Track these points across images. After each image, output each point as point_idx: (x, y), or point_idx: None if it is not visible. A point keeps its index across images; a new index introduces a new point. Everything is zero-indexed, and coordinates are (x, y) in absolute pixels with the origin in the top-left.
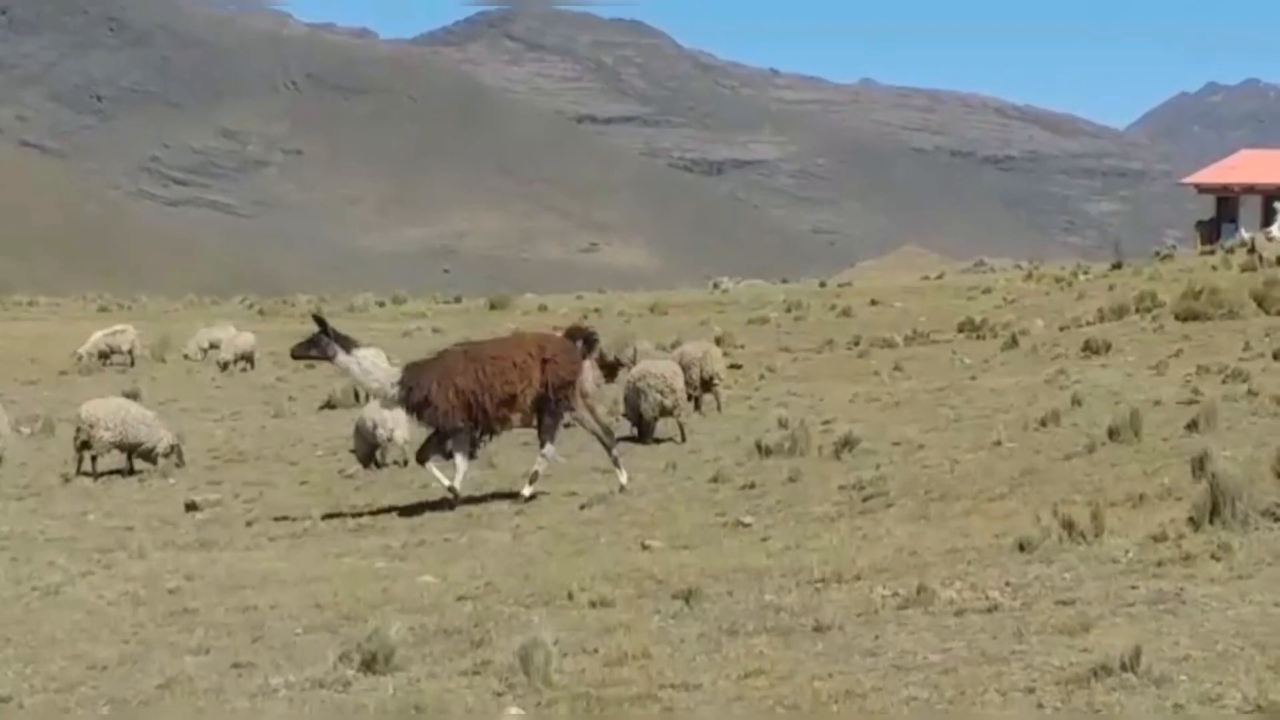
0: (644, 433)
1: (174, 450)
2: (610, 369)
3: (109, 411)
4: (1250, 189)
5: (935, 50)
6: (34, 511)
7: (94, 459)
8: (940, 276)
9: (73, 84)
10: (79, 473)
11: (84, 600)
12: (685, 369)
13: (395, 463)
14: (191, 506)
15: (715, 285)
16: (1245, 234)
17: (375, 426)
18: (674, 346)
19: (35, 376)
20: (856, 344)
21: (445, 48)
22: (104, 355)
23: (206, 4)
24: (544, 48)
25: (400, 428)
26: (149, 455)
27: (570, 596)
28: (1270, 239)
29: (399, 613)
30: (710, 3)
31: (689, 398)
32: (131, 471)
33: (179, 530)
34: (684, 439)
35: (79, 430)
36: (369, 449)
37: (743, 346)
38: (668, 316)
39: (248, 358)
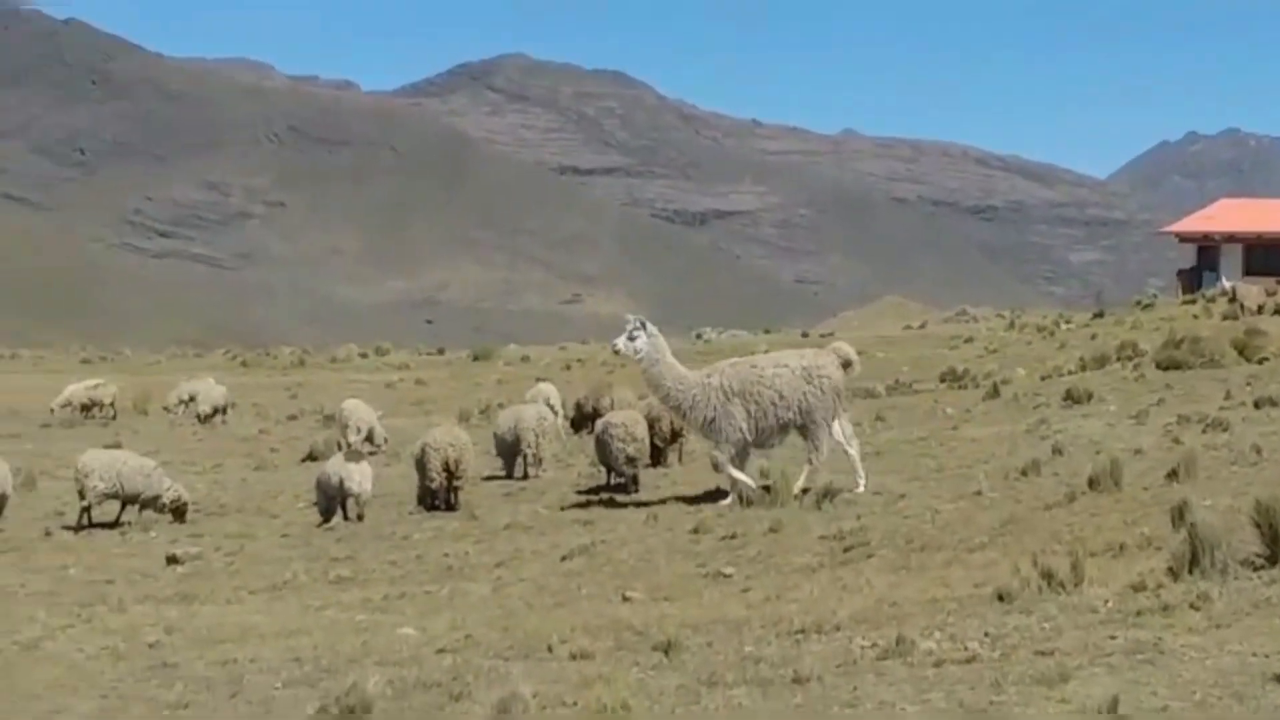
0: (625, 482)
1: (178, 505)
2: (585, 418)
3: (104, 462)
4: (1231, 237)
5: (917, 101)
6: (14, 566)
7: (87, 509)
8: (922, 326)
9: (56, 137)
10: (81, 524)
11: (63, 655)
12: (654, 421)
13: (360, 516)
14: (172, 560)
15: (698, 336)
16: (1226, 283)
17: (342, 481)
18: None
19: (17, 430)
20: None
21: (428, 99)
22: (85, 408)
23: (190, 56)
24: (527, 99)
25: (366, 480)
26: (152, 507)
27: (550, 649)
28: (617, 351)
29: (378, 666)
30: (693, 54)
31: (659, 449)
32: (115, 524)
33: (159, 583)
34: (637, 489)
35: (75, 480)
36: (329, 501)
37: None
38: None
39: (221, 410)
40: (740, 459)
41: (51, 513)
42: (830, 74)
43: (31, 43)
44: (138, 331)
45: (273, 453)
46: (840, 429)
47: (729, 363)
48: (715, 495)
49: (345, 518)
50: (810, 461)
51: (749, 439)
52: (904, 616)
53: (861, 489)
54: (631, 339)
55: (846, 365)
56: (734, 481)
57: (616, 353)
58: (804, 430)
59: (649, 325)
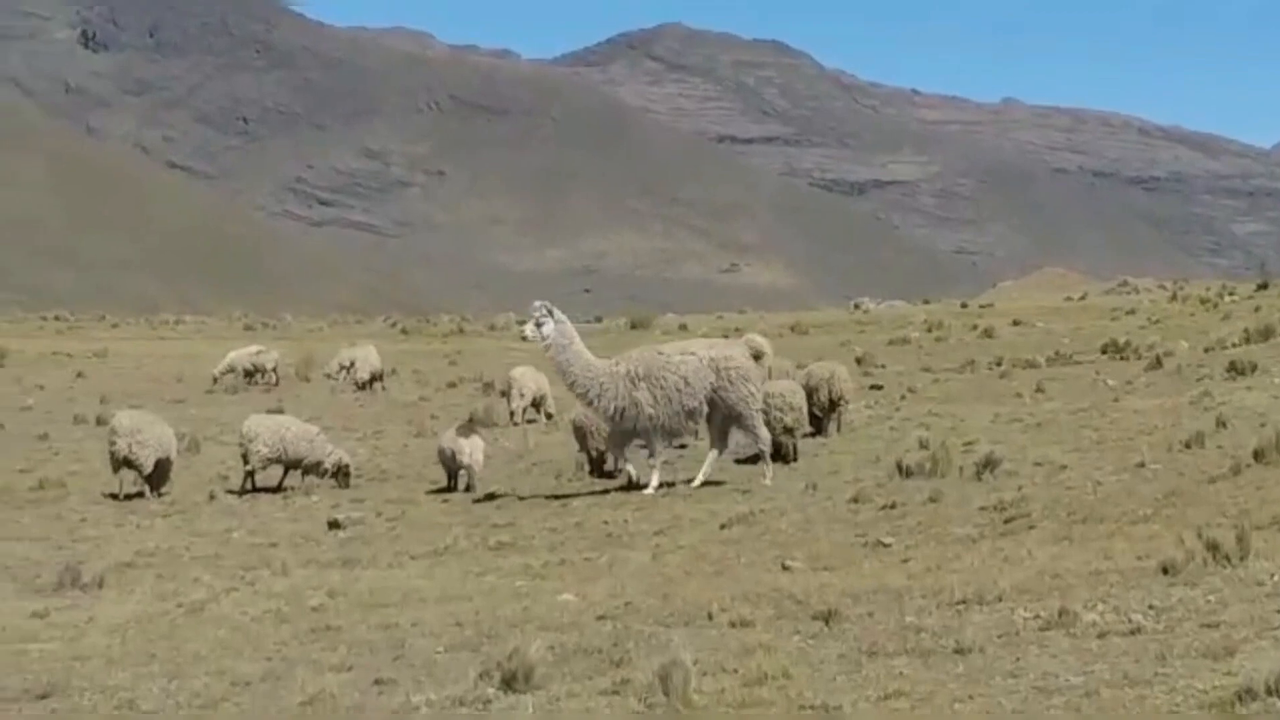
0: (782, 451)
1: (341, 470)
2: None
3: (268, 428)
4: None
5: (1078, 69)
6: (179, 529)
7: (251, 474)
8: (1083, 297)
9: (219, 106)
10: (245, 488)
11: (228, 617)
12: (812, 390)
13: (469, 488)
14: (334, 524)
15: (856, 305)
16: None
17: (454, 453)
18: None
19: (182, 395)
20: (998, 365)
21: (587, 68)
22: (248, 374)
23: (351, 25)
24: (685, 68)
25: (477, 453)
26: (314, 472)
27: (710, 617)
28: (525, 338)
29: (539, 631)
30: (851, 23)
31: (817, 419)
32: (278, 489)
33: (321, 548)
34: (795, 458)
35: (240, 445)
36: (446, 472)
37: (884, 367)
38: (808, 336)
39: (378, 376)
40: (620, 446)
41: (216, 477)
42: (990, 42)
43: (196, 12)
44: (299, 298)
45: (433, 419)
46: None
47: (637, 351)
48: (873, 464)
49: (451, 488)
50: (761, 454)
51: (658, 424)
52: (1066, 588)
53: (768, 481)
54: (539, 325)
55: (758, 356)
56: (628, 472)
57: (524, 339)
58: (737, 422)
59: (556, 311)
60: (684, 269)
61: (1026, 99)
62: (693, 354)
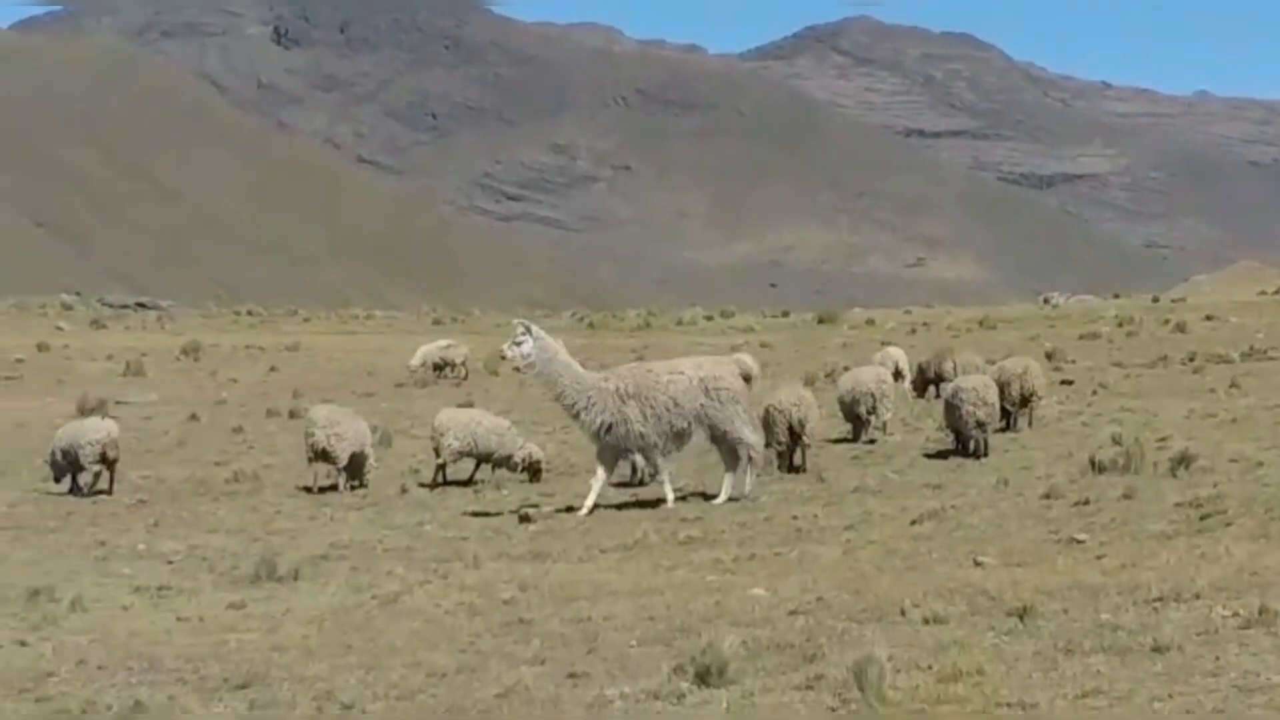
0: (973, 446)
1: (531, 464)
2: (927, 382)
3: (460, 421)
4: None
5: (1273, 61)
6: (372, 522)
7: (443, 467)
8: (1278, 292)
9: (408, 101)
10: (436, 482)
11: (422, 609)
12: (1004, 385)
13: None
14: (525, 518)
15: (1045, 300)
16: None
17: None
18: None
19: (372, 389)
20: (1191, 360)
21: (774, 62)
22: (438, 368)
23: (539, 20)
24: (872, 61)
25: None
26: (505, 466)
27: (902, 612)
28: (504, 358)
29: (731, 626)
30: (1041, 15)
31: (1008, 413)
32: (469, 482)
33: (512, 541)
34: (986, 453)
35: (432, 438)
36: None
37: (1074, 362)
38: (996, 331)
39: None
40: (611, 463)
41: (407, 470)
42: (1182, 34)
43: (387, 8)
44: (486, 292)
45: None
46: None
47: (626, 367)
48: (1065, 460)
49: (632, 480)
50: (751, 460)
51: (647, 442)
52: (1266, 585)
53: (720, 501)
54: (517, 344)
55: (747, 378)
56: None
57: (503, 358)
58: (725, 439)
59: (534, 329)
60: (870, 263)
61: (1220, 91)
62: (681, 373)
